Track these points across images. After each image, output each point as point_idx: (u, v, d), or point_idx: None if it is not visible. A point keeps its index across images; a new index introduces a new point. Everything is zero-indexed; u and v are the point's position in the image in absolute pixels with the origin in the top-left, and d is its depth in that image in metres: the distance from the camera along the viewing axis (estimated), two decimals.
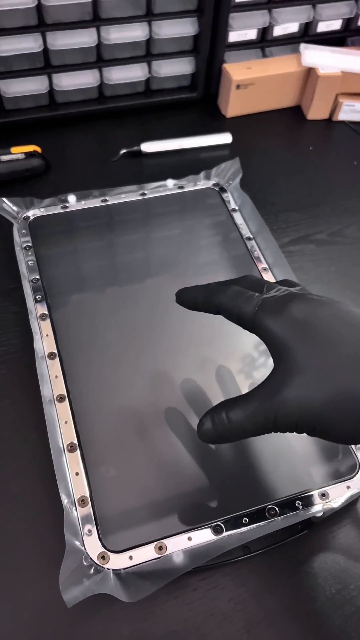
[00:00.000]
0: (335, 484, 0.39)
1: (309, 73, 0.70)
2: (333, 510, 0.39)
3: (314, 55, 0.70)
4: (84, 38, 0.63)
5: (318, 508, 0.38)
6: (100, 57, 0.66)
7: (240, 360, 0.46)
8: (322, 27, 0.72)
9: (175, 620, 0.36)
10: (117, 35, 0.64)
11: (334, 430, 0.29)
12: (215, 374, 0.46)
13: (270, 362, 0.31)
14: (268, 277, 0.51)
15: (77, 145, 0.69)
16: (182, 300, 0.37)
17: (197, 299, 0.36)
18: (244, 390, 0.44)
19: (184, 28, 0.66)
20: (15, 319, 0.51)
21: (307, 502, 0.39)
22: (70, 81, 0.67)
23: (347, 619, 0.37)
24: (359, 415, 0.28)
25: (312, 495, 0.39)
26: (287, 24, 0.70)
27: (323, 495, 0.39)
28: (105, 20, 0.62)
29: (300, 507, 0.38)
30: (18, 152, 0.62)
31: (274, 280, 0.51)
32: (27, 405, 0.45)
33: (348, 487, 0.39)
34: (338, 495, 0.39)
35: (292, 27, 0.71)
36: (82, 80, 0.67)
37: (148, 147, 0.67)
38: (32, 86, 0.66)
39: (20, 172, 0.62)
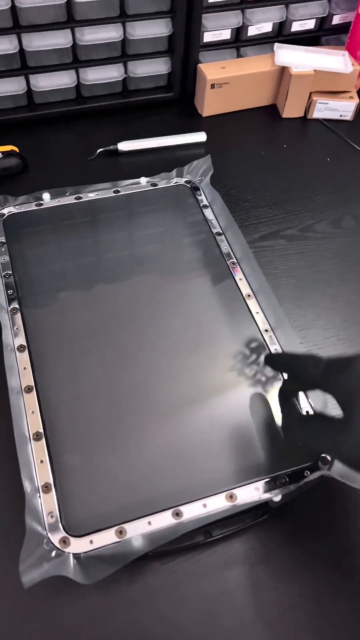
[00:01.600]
0: (294, 470, 0.40)
1: (283, 72, 0.72)
2: (291, 496, 0.39)
3: (287, 55, 0.71)
4: (59, 39, 0.64)
5: (276, 492, 0.39)
6: (76, 58, 0.67)
7: (221, 354, 0.47)
8: (296, 26, 0.73)
9: (136, 603, 0.37)
10: (92, 36, 0.65)
11: None
12: (184, 365, 0.46)
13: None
14: (237, 271, 0.53)
15: (55, 145, 0.70)
16: None
17: None
18: (221, 383, 0.45)
19: (158, 29, 0.67)
20: None
21: (267, 487, 0.39)
22: (48, 82, 0.68)
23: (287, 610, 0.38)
24: None
25: (271, 480, 0.40)
26: (260, 24, 0.71)
27: (282, 481, 0.40)
28: (80, 22, 0.63)
29: (259, 492, 0.39)
30: None
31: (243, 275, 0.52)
32: None
33: (306, 474, 0.40)
34: (296, 480, 0.40)
35: (266, 27, 0.72)
36: (59, 81, 0.68)
37: (125, 146, 0.68)
38: (10, 87, 0.67)
39: None
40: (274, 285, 0.53)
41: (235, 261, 0.53)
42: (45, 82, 0.68)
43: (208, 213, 0.58)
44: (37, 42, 0.63)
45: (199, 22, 0.67)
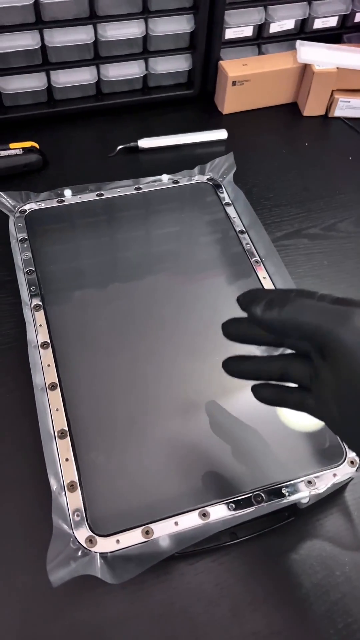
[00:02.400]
0: (321, 471, 0.40)
1: (305, 70, 0.71)
2: (319, 497, 0.39)
3: (309, 52, 0.70)
4: (81, 35, 0.64)
5: (304, 494, 0.39)
6: (97, 54, 0.67)
7: (235, 351, 0.47)
8: (318, 23, 0.73)
9: (162, 603, 0.37)
10: (114, 32, 0.64)
11: None
12: (208, 364, 0.46)
13: None
14: (260, 269, 0.52)
15: (75, 141, 0.70)
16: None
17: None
18: (241, 381, 0.45)
19: (180, 25, 0.66)
20: (11, 309, 0.51)
21: (294, 489, 0.39)
22: (68, 78, 0.68)
23: (333, 605, 0.37)
24: None
25: (298, 482, 0.39)
26: (283, 21, 0.71)
27: (309, 483, 0.39)
28: (102, 18, 0.63)
29: (287, 494, 0.39)
30: (16, 147, 0.63)
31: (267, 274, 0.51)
32: (20, 394, 0.45)
33: (334, 475, 0.40)
34: (324, 482, 0.39)
35: (288, 24, 0.71)
36: (79, 77, 0.68)
37: (145, 143, 0.68)
38: (31, 83, 0.67)
39: (18, 167, 0.63)
40: (297, 285, 0.53)
41: (259, 259, 0.53)
42: (66, 78, 0.68)
43: (230, 211, 0.57)
44: (59, 37, 0.63)
45: (221, 19, 0.67)
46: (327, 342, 0.27)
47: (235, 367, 0.34)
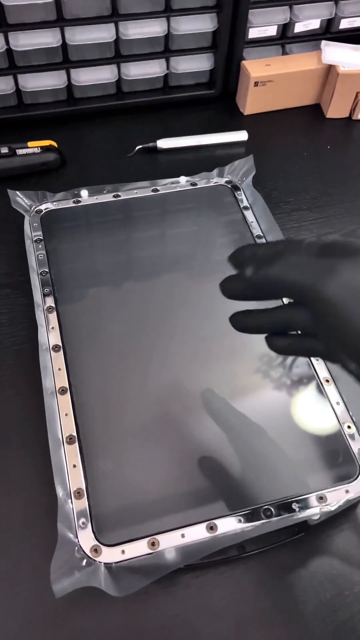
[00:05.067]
0: (333, 487, 0.39)
1: (329, 70, 0.69)
2: (330, 514, 0.38)
3: (335, 53, 0.69)
4: (102, 33, 0.63)
5: (315, 511, 0.38)
6: (118, 53, 0.66)
7: (253, 359, 0.46)
8: (345, 23, 0.71)
9: (166, 615, 0.37)
10: (136, 31, 0.64)
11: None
12: (222, 371, 0.45)
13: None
14: None
15: (94, 141, 0.69)
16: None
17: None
18: (254, 388, 0.44)
19: (202, 24, 0.65)
20: (25, 310, 0.51)
21: (304, 504, 0.38)
22: (88, 76, 0.67)
23: (341, 625, 0.37)
24: None
25: (309, 497, 0.38)
26: (308, 21, 0.69)
27: (321, 499, 0.38)
28: (124, 16, 0.62)
29: (297, 509, 0.38)
30: (34, 146, 0.63)
31: None
32: (31, 397, 0.45)
33: (347, 492, 0.39)
34: (336, 499, 0.38)
35: (314, 24, 0.70)
36: (100, 75, 0.67)
37: (164, 143, 0.67)
38: (51, 81, 0.66)
39: (35, 165, 0.63)
40: None
41: None
42: (86, 77, 0.67)
43: (249, 215, 0.56)
44: (81, 36, 0.63)
45: (245, 18, 0.66)
46: (315, 299, 0.28)
47: (240, 321, 0.35)
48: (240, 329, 0.35)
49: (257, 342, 0.46)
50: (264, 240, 0.54)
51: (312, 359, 0.45)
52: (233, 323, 0.35)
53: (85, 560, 0.35)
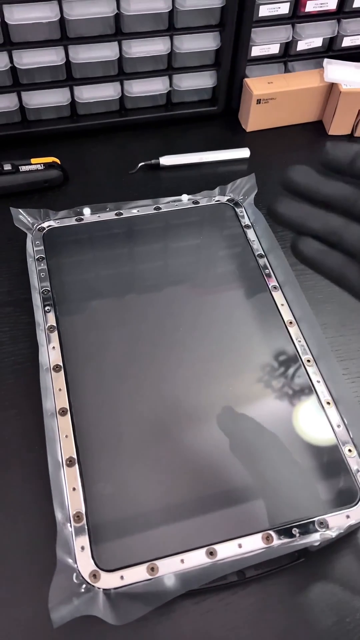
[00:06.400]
0: (334, 512, 0.39)
1: (332, 88, 0.70)
2: (331, 540, 0.38)
3: (337, 71, 0.69)
4: (106, 52, 0.63)
5: (315, 537, 0.37)
6: (121, 70, 0.66)
7: (254, 378, 0.46)
8: (347, 41, 0.71)
9: None
10: (139, 49, 0.64)
11: None
12: (223, 391, 0.45)
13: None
14: (278, 295, 0.51)
15: (97, 157, 0.69)
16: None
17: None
18: (254, 411, 0.44)
19: (205, 42, 0.66)
20: (26, 329, 0.51)
21: (305, 529, 0.38)
22: (92, 93, 0.67)
23: None
24: None
25: (310, 523, 0.38)
26: (310, 39, 0.70)
27: (321, 524, 0.38)
28: (127, 35, 0.63)
29: (298, 534, 0.38)
30: (37, 162, 0.63)
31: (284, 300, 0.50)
32: (32, 417, 0.45)
33: (348, 517, 0.38)
34: (337, 524, 0.38)
35: (316, 42, 0.70)
36: (103, 92, 0.68)
37: (166, 160, 0.67)
38: (54, 98, 0.67)
39: (38, 182, 0.63)
40: (315, 311, 0.51)
41: (277, 285, 0.52)
42: (89, 94, 0.67)
43: (250, 233, 0.56)
44: (84, 54, 0.63)
45: (247, 36, 0.66)
46: None
47: (285, 209, 0.30)
48: (282, 218, 0.30)
49: (259, 360, 0.47)
50: (265, 260, 0.54)
51: (312, 381, 0.45)
52: (274, 209, 0.30)
53: (83, 587, 0.35)
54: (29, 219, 0.56)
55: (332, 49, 0.72)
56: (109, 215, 0.57)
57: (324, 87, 0.69)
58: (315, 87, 0.69)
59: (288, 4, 0.65)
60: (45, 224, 0.56)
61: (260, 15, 0.65)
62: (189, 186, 0.62)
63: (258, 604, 0.38)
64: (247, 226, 0.57)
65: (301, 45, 0.70)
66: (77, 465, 0.40)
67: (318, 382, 0.45)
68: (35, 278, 0.51)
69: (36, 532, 0.39)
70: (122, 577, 0.35)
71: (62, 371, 0.45)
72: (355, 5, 0.67)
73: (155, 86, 0.69)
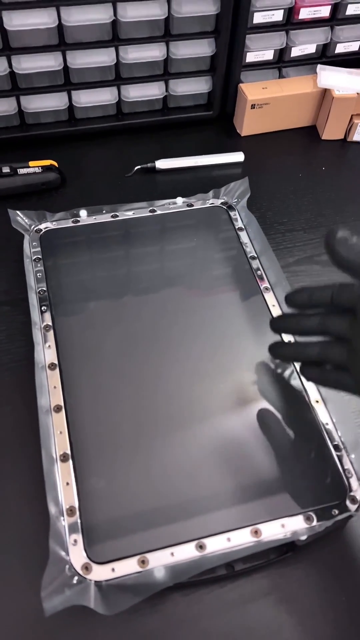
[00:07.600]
0: (321, 507, 0.39)
1: (325, 94, 0.71)
2: (317, 535, 0.39)
3: (330, 77, 0.70)
4: (103, 57, 0.65)
5: (303, 531, 0.38)
6: (118, 76, 0.68)
7: (247, 378, 0.47)
8: (340, 48, 0.73)
9: (155, 634, 0.37)
10: (135, 55, 0.65)
11: None
12: (215, 388, 0.46)
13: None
14: (269, 296, 0.52)
15: (94, 160, 0.70)
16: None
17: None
18: (246, 407, 0.45)
19: (201, 48, 0.67)
20: (22, 328, 0.52)
21: (292, 524, 0.39)
22: (89, 98, 0.69)
23: None
24: None
25: (297, 518, 0.39)
26: (304, 45, 0.71)
27: (308, 519, 0.39)
28: (124, 41, 0.64)
29: (285, 529, 0.38)
30: (35, 165, 0.64)
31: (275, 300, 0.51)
32: (26, 414, 0.46)
33: (334, 512, 0.39)
34: (324, 519, 0.39)
35: (310, 49, 0.72)
36: (100, 97, 0.69)
37: (162, 164, 0.68)
38: (52, 102, 0.68)
39: (36, 185, 0.64)
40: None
41: (269, 286, 0.53)
42: (87, 98, 0.69)
43: (243, 235, 0.57)
44: (82, 59, 0.64)
45: (242, 43, 0.67)
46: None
47: (278, 350, 0.43)
48: (278, 356, 0.44)
49: (250, 359, 0.48)
50: (257, 262, 0.55)
51: (301, 379, 0.46)
52: (271, 351, 0.43)
53: (76, 578, 0.36)
54: (27, 221, 0.57)
55: (326, 55, 0.73)
56: (105, 217, 0.58)
57: (318, 92, 0.71)
58: (308, 93, 0.71)
59: (282, 11, 0.66)
60: (42, 226, 0.57)
61: (254, 22, 0.66)
62: (184, 189, 0.63)
63: (247, 597, 0.39)
64: (240, 229, 0.58)
65: (295, 52, 0.71)
66: (70, 461, 0.41)
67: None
68: (32, 278, 0.52)
69: (30, 526, 0.40)
70: (113, 570, 0.36)
71: (57, 369, 0.46)
72: (348, 12, 0.68)
73: (152, 91, 0.70)
